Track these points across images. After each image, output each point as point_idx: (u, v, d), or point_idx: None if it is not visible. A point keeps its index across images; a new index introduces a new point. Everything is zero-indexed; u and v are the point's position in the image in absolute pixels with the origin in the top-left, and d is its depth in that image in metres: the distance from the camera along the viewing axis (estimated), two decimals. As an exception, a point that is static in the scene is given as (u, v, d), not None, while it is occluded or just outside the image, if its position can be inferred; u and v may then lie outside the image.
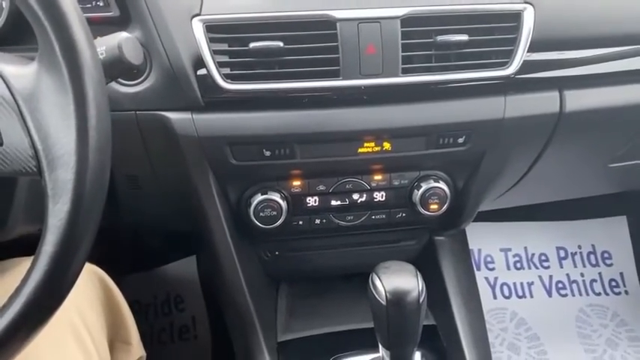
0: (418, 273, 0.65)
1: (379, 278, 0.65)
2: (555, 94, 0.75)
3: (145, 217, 0.89)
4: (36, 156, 0.46)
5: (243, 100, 0.68)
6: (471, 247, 1.51)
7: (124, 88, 0.67)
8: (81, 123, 0.46)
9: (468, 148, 0.75)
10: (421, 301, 0.64)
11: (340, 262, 0.90)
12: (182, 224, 0.93)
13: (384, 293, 0.64)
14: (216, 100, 0.68)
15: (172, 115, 0.68)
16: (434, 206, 0.79)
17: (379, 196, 0.79)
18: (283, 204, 0.76)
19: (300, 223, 0.79)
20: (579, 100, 0.75)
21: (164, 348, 1.39)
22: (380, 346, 0.69)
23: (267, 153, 0.72)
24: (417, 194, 0.78)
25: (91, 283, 0.66)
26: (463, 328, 0.81)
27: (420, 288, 0.64)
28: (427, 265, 0.82)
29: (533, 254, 1.50)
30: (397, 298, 0.63)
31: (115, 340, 0.71)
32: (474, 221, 1.45)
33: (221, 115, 0.69)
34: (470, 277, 0.91)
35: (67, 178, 0.45)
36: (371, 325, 0.69)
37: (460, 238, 0.93)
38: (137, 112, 0.68)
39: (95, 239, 0.79)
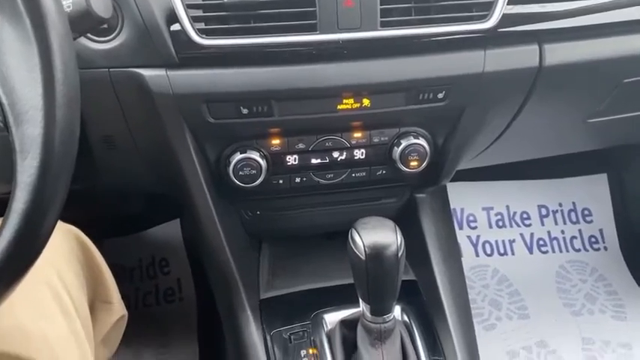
0: (397, 228, 0.66)
1: (358, 233, 0.65)
2: (535, 47, 0.74)
3: (124, 179, 0.88)
4: (1, 110, 0.45)
5: (219, 55, 0.67)
6: (453, 206, 1.52)
7: (95, 44, 0.65)
8: (47, 76, 0.44)
9: (448, 104, 0.75)
10: (400, 255, 0.65)
11: (321, 221, 0.90)
12: (162, 185, 0.92)
13: (362, 248, 0.64)
14: (191, 56, 0.66)
15: (146, 73, 0.67)
16: (414, 163, 0.78)
17: (359, 153, 0.79)
18: (263, 162, 0.75)
19: (280, 181, 0.79)
20: (559, 53, 0.74)
21: (150, 311, 1.40)
22: (360, 300, 0.69)
23: (245, 111, 0.71)
24: (397, 151, 0.78)
25: (67, 243, 0.66)
26: (443, 282, 0.82)
27: (399, 242, 0.64)
28: (408, 222, 0.83)
29: (515, 212, 1.52)
30: (376, 253, 0.64)
31: (96, 300, 0.71)
32: (456, 181, 1.46)
33: (196, 71, 0.68)
34: (450, 233, 0.92)
35: (34, 133, 0.44)
36: (352, 281, 0.70)
37: (440, 194, 0.94)
38: (110, 70, 0.66)
39: (77, 202, 0.78)
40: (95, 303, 0.71)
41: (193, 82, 0.68)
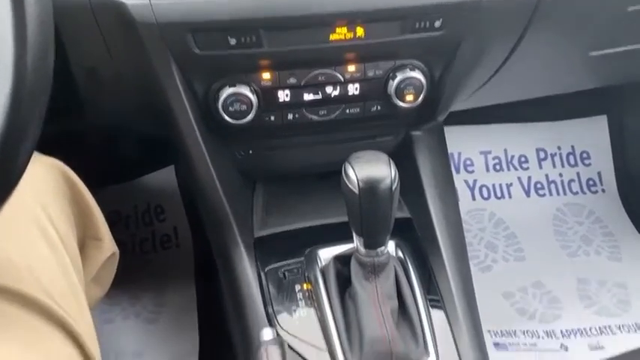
0: (391, 161, 0.64)
1: (352, 167, 0.64)
2: (536, -27, 0.71)
3: (113, 119, 0.86)
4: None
5: None
6: (450, 151, 1.50)
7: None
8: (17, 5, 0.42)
9: (445, 34, 0.72)
10: (394, 188, 0.63)
11: (315, 160, 0.89)
12: (151, 125, 0.90)
13: (356, 182, 0.63)
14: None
15: (128, 0, 0.64)
16: (409, 97, 0.76)
17: (353, 88, 0.76)
18: (253, 98, 0.73)
19: (272, 118, 0.77)
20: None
21: (147, 257, 1.40)
22: (354, 235, 0.69)
23: (233, 41, 0.68)
24: (393, 85, 0.76)
25: (52, 177, 0.64)
26: (438, 219, 0.81)
27: (393, 175, 0.63)
28: (403, 160, 0.81)
29: (512, 156, 1.51)
30: (370, 186, 0.63)
31: (85, 238, 0.70)
32: (453, 125, 1.45)
33: None
34: (447, 172, 0.90)
35: (5, 57, 0.42)
36: (346, 219, 0.69)
37: (437, 133, 0.92)
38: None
39: (67, 147, 0.77)
40: (85, 241, 0.70)
41: (178, 10, 0.65)
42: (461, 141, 1.49)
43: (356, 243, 0.69)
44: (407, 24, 0.71)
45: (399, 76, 0.75)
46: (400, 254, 0.76)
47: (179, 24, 0.65)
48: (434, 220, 0.80)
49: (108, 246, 0.72)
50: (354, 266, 0.71)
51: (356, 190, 0.63)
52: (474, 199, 1.47)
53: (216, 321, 1.16)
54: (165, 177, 1.46)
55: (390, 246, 0.75)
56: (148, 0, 0.64)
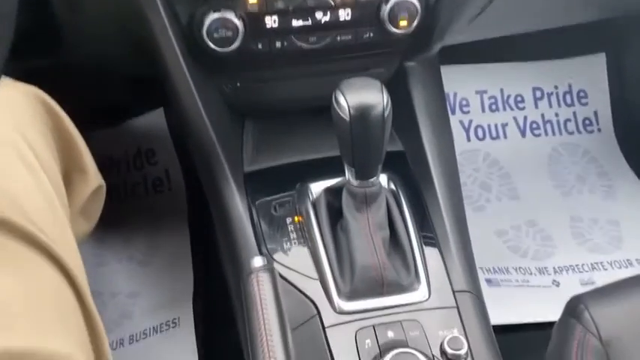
0: (383, 87, 0.62)
1: (342, 94, 0.62)
2: None
3: (95, 54, 0.83)
4: None
5: None
6: (446, 91, 1.47)
7: None
8: None
9: None
10: (386, 115, 0.61)
11: (306, 94, 0.86)
12: (134, 63, 0.87)
13: (347, 108, 0.61)
14: None
15: None
16: (403, 22, 0.73)
17: (344, 14, 0.73)
18: (239, 23, 0.70)
19: (259, 46, 0.74)
20: None
21: (139, 201, 1.39)
22: (345, 165, 0.67)
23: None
24: (386, 10, 0.72)
25: (31, 105, 0.62)
26: (432, 153, 0.79)
27: (385, 102, 0.61)
28: (397, 92, 0.78)
29: (509, 95, 1.48)
30: (361, 113, 0.61)
31: (70, 170, 0.68)
32: (449, 64, 1.41)
33: None
34: (441, 104, 0.88)
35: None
36: (338, 153, 0.68)
37: (432, 65, 0.89)
38: None
39: (50, 84, 0.74)
40: (69, 173, 0.68)
41: None
42: (457, 81, 1.46)
43: (347, 174, 0.68)
44: None
45: (393, 0, 0.72)
46: (392, 187, 0.75)
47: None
48: (427, 154, 0.78)
49: (93, 178, 0.71)
50: (345, 197, 0.70)
51: (347, 117, 0.61)
52: (468, 140, 1.45)
53: (210, 261, 1.16)
54: (154, 120, 1.43)
55: (382, 179, 0.74)
56: None
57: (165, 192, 1.40)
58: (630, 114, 1.45)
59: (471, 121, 1.46)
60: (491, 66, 1.48)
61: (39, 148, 0.58)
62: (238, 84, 0.82)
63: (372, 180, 0.67)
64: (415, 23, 0.74)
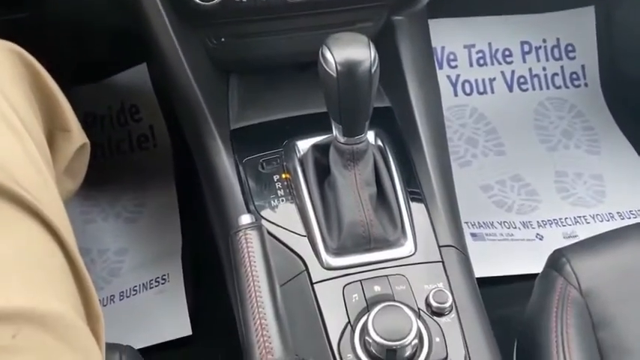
0: (371, 42, 0.61)
1: (329, 49, 0.61)
2: None
3: (71, 3, 0.80)
4: None
5: None
6: (434, 45, 1.45)
7: None
8: None
9: None
10: (373, 71, 0.61)
11: (291, 49, 0.85)
12: (115, 16, 0.85)
13: (334, 64, 0.60)
14: None
15: None
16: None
17: None
18: (222, -25, 0.68)
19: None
20: None
21: (124, 157, 1.38)
22: (332, 122, 0.67)
23: None
24: None
25: (10, 62, 0.60)
26: (418, 107, 0.79)
27: (372, 57, 0.60)
28: (384, 47, 0.77)
29: (497, 50, 1.47)
30: (348, 69, 0.60)
31: (53, 129, 0.67)
32: (437, 17, 1.39)
33: None
34: (429, 59, 0.87)
35: None
36: (325, 110, 0.67)
37: (420, 19, 0.87)
38: None
39: (30, 40, 0.71)
40: (52, 132, 0.67)
41: None
42: (444, 34, 1.44)
43: (334, 131, 0.68)
44: None
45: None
46: (380, 143, 0.75)
47: None
48: (415, 110, 0.78)
49: (77, 136, 0.70)
50: (332, 154, 0.69)
51: (334, 74, 0.60)
52: (456, 95, 1.44)
53: (197, 217, 1.16)
54: (137, 75, 1.40)
55: (370, 135, 0.74)
56: None
57: (150, 148, 1.39)
58: (617, 69, 1.45)
59: (458, 76, 1.45)
60: (479, 19, 1.46)
61: (21, 107, 0.57)
62: (223, 39, 0.80)
63: (359, 137, 0.67)
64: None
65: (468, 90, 1.44)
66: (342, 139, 0.67)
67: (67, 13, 0.87)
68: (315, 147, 0.73)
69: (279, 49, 0.85)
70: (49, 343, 0.42)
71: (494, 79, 1.45)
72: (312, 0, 0.74)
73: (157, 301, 1.10)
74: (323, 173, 0.72)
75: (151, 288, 1.12)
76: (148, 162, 1.36)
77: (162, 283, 1.12)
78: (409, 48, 0.84)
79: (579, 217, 1.23)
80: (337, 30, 0.81)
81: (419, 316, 0.59)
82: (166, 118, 1.37)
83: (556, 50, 1.48)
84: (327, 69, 0.61)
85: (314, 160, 0.72)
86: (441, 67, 1.45)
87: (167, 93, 1.11)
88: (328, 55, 0.61)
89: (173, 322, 1.06)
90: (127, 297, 1.13)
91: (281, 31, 0.82)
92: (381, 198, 0.70)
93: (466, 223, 1.19)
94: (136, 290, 1.13)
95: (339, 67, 0.60)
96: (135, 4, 0.70)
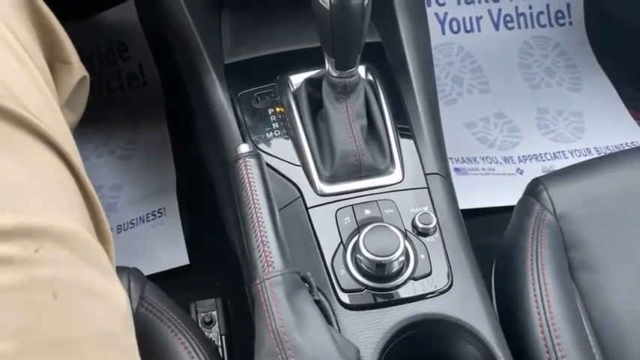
0: None
1: None
2: None
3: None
4: None
5: None
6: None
7: None
8: None
9: None
10: (366, 4, 0.63)
11: None
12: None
13: (328, -1, 0.62)
14: None
15: None
16: None
17: None
18: None
19: None
20: None
21: (115, 96, 1.39)
22: (325, 56, 0.69)
23: None
24: None
25: None
26: (408, 43, 0.81)
27: None
28: None
29: (484, -13, 1.47)
30: (341, 2, 0.62)
31: (53, 61, 0.68)
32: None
33: None
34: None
35: None
36: (317, 44, 0.69)
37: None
38: None
39: None
40: (53, 64, 0.68)
41: None
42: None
43: (327, 65, 0.70)
44: None
45: None
46: (370, 77, 0.78)
47: None
48: (404, 46, 0.80)
49: (78, 69, 0.71)
50: (325, 87, 0.72)
51: (327, 6, 0.62)
52: (443, 33, 1.46)
53: (190, 152, 1.19)
54: (124, 12, 1.39)
55: (361, 70, 0.76)
56: None
57: (140, 86, 1.40)
58: (602, 8, 1.47)
59: (446, 14, 1.46)
60: (468, -43, 1.46)
61: (24, 36, 0.58)
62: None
63: (351, 70, 0.70)
64: None
65: (455, 28, 1.46)
66: (334, 73, 0.70)
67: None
68: (308, 81, 0.75)
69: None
70: (69, 259, 0.45)
71: (481, 17, 1.47)
72: None
73: (154, 233, 1.15)
74: (316, 106, 0.75)
75: (148, 221, 1.17)
76: (138, 100, 1.37)
77: (159, 216, 1.17)
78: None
79: (558, 152, 1.28)
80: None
81: (406, 236, 0.64)
82: (155, 56, 1.37)
83: (542, -12, 1.49)
84: (321, 2, 0.63)
85: (307, 94, 0.75)
86: (429, 5, 1.45)
87: (157, 30, 1.11)
88: (321, -12, 0.62)
89: (171, 252, 1.11)
90: (125, 230, 1.17)
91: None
92: (372, 129, 0.74)
93: (450, 158, 1.24)
94: (133, 224, 1.17)
95: (332, 1, 0.62)
96: None
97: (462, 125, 1.32)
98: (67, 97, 0.71)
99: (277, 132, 0.76)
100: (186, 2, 0.80)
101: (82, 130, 1.31)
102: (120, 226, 1.17)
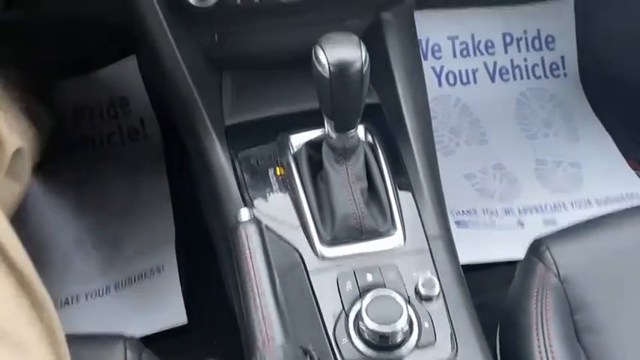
0: (362, 43, 0.64)
1: (322, 50, 0.64)
2: None
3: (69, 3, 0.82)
4: None
5: None
6: (418, 36, 1.49)
7: None
8: None
9: None
10: (364, 71, 0.64)
11: (282, 46, 0.87)
12: (109, 12, 0.86)
13: (327, 65, 0.63)
14: None
15: None
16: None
17: None
18: (217, -23, 0.70)
19: (238, 0, 0.74)
20: None
21: (115, 150, 1.40)
22: (325, 118, 0.70)
23: None
24: None
25: None
26: (406, 103, 0.82)
27: (364, 58, 0.63)
28: (373, 44, 0.80)
29: (479, 41, 1.50)
30: (340, 69, 0.63)
31: None
32: (422, 9, 1.41)
33: None
34: (416, 55, 0.90)
35: None
36: (317, 106, 0.70)
37: (407, 16, 0.90)
38: None
39: (23, 38, 0.72)
40: None
41: None
42: (429, 26, 1.48)
43: (327, 127, 0.71)
44: None
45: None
46: (370, 139, 0.78)
47: None
48: (403, 107, 0.81)
49: (9, 143, 0.69)
50: (325, 150, 0.73)
51: (327, 74, 0.63)
52: (440, 85, 1.48)
53: (189, 209, 1.19)
54: (126, 67, 1.41)
55: (360, 130, 0.77)
56: None
57: (141, 140, 1.41)
58: (595, 60, 1.49)
59: (442, 67, 1.49)
60: (462, 11, 1.50)
61: None
62: (216, 37, 0.83)
63: (350, 132, 0.70)
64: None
65: (452, 81, 1.48)
66: (334, 135, 0.70)
67: (57, 8, 0.88)
68: (308, 144, 0.76)
69: (270, 45, 0.87)
70: None
71: (477, 69, 1.49)
72: (306, 1, 0.76)
73: (151, 290, 1.13)
74: (316, 168, 0.75)
75: (145, 277, 1.15)
76: (139, 154, 1.38)
77: (157, 273, 1.15)
78: (397, 45, 0.87)
79: (558, 203, 1.28)
80: (328, 26, 0.85)
81: (409, 303, 0.63)
82: (156, 110, 1.39)
83: (537, 41, 1.52)
84: (320, 69, 0.64)
85: (307, 156, 0.75)
86: (425, 58, 1.48)
87: (158, 87, 1.13)
88: (321, 55, 0.63)
89: (169, 311, 1.09)
90: (123, 287, 1.15)
91: (272, 28, 0.84)
92: (372, 191, 0.74)
93: (451, 212, 1.23)
94: (131, 280, 1.16)
95: (331, 68, 0.63)
96: (130, 1, 0.72)
97: (462, 176, 1.32)
98: (5, 169, 0.70)
99: (277, 193, 0.76)
100: (187, 64, 0.81)
101: (80, 185, 1.31)
102: (117, 283, 1.16)
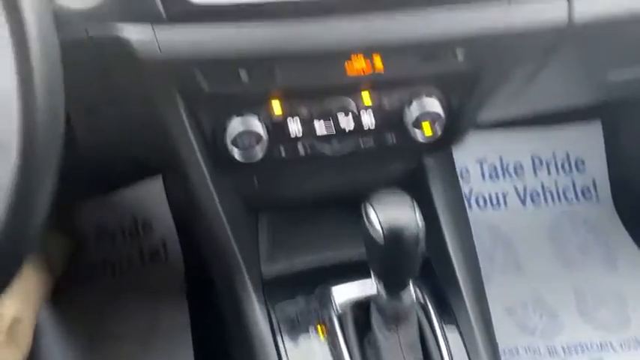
0: (415, 204, 0.61)
1: (374, 211, 0.60)
2: (563, 1, 0.67)
3: (106, 149, 0.80)
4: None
5: (212, 10, 0.59)
6: (447, 160, 1.48)
7: (70, 1, 0.56)
8: (21, 55, 0.36)
9: (467, 63, 0.68)
10: (420, 235, 0.60)
11: (323, 189, 0.85)
12: (152, 158, 0.85)
13: (380, 230, 0.59)
14: (181, 11, 0.58)
15: (131, 34, 0.58)
16: (427, 128, 0.72)
17: (368, 120, 0.72)
18: (263, 133, 0.68)
19: (283, 154, 0.72)
20: (589, 8, 0.68)
21: (136, 272, 1.35)
22: (373, 276, 0.65)
23: (245, 76, 0.63)
24: (410, 116, 0.72)
25: None
26: (456, 257, 0.78)
27: (419, 222, 0.60)
28: (416, 188, 0.77)
29: (508, 164, 1.48)
30: (395, 235, 0.59)
31: None
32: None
33: (188, 29, 0.60)
34: (460, 201, 0.87)
35: (11, 128, 0.36)
36: (360, 254, 0.65)
37: (448, 158, 0.89)
38: (89, 32, 0.57)
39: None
40: None
41: (186, 45, 0.60)
42: (456, 150, 1.46)
43: (375, 284, 0.66)
44: (427, 56, 0.67)
45: (417, 107, 0.71)
46: (421, 299, 0.73)
47: (187, 60, 0.60)
48: (453, 259, 0.77)
49: (7, 315, 0.68)
50: (374, 313, 0.67)
51: (381, 241, 0.59)
52: (470, 208, 1.45)
53: (211, 341, 1.12)
54: (151, 188, 1.39)
55: (410, 289, 0.72)
56: (153, 36, 0.58)
57: (162, 262, 1.36)
58: (628, 183, 1.46)
59: (471, 190, 1.46)
60: (489, 134, 1.49)
61: None
62: (256, 183, 0.80)
63: (402, 293, 0.65)
64: (439, 128, 0.73)
65: (482, 204, 1.45)
66: (384, 297, 0.65)
67: (95, 155, 0.86)
68: (355, 304, 0.71)
69: (311, 188, 0.85)
70: None
71: (507, 193, 1.46)
72: (348, 153, 0.74)
73: None
74: (362, 328, 0.70)
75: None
76: (159, 277, 1.32)
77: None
78: (441, 190, 0.84)
79: (604, 342, 1.19)
80: (370, 170, 0.82)
81: None
82: (179, 234, 1.35)
83: (566, 164, 1.50)
84: (372, 234, 0.60)
85: (353, 316, 0.70)
86: (454, 181, 1.46)
87: (182, 210, 1.09)
88: (373, 217, 0.60)
89: None
90: None
91: (314, 173, 0.82)
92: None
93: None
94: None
95: (385, 233, 0.59)
96: (175, 156, 0.70)
97: (503, 311, 1.25)
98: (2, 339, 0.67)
99: (319, 354, 0.70)
100: (225, 210, 0.77)
101: (102, 313, 1.25)
102: None
